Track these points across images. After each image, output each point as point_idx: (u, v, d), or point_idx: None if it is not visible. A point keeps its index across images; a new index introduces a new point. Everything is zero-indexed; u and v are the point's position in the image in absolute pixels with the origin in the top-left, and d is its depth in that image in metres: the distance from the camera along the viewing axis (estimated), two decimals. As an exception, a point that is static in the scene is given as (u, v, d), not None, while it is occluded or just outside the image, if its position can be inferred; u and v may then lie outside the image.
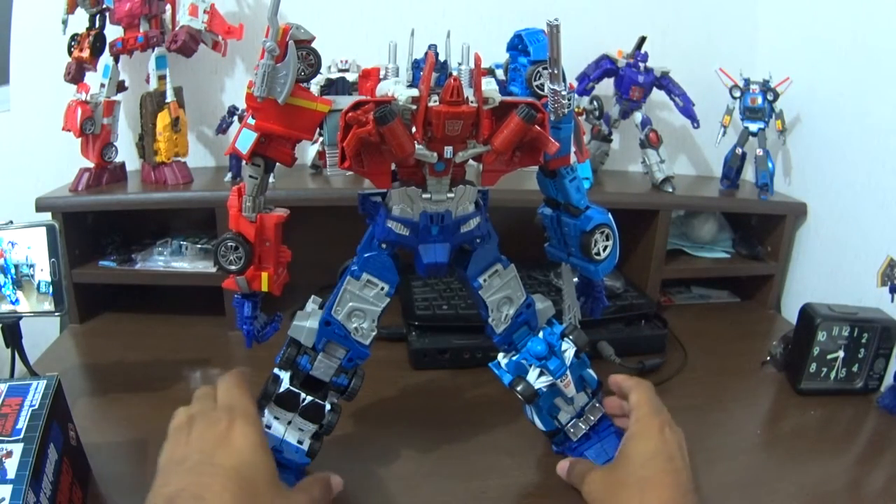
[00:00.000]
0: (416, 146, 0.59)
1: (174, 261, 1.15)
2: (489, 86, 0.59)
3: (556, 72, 0.60)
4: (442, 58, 0.60)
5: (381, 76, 0.64)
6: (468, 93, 0.57)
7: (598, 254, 0.71)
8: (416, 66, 0.59)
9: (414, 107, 0.57)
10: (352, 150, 0.58)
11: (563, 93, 0.61)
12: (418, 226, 0.64)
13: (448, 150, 0.59)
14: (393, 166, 0.63)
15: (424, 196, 0.63)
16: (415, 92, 0.57)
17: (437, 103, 0.56)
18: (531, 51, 0.64)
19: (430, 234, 0.64)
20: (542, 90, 0.63)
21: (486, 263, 0.68)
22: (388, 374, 0.97)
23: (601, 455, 0.73)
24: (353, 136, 0.57)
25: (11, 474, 0.54)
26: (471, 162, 0.63)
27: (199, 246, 1.16)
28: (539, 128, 0.59)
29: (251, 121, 0.62)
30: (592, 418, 0.74)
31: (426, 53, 0.59)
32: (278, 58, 0.59)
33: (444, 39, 0.61)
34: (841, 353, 0.92)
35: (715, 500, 0.72)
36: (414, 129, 0.58)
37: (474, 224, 0.66)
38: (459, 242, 0.67)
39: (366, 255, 0.66)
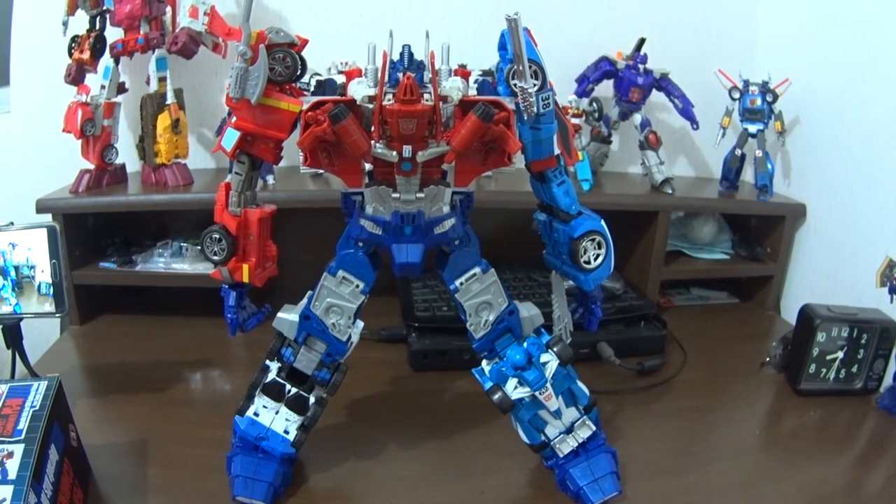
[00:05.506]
0: (375, 145, 0.60)
1: (174, 262, 1.15)
2: (453, 84, 0.59)
3: (520, 68, 0.59)
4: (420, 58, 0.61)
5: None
6: (445, 91, 0.58)
7: (587, 262, 0.69)
8: (394, 66, 0.60)
9: (371, 105, 0.58)
10: (308, 148, 0.60)
11: (530, 90, 0.60)
12: (391, 225, 0.64)
13: (407, 149, 0.60)
14: (368, 166, 0.64)
15: (394, 195, 0.64)
16: (371, 91, 0.58)
17: (392, 102, 0.57)
18: (508, 48, 0.63)
19: (403, 234, 0.65)
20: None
21: (463, 267, 0.68)
22: (388, 375, 0.97)
23: (587, 475, 0.69)
24: (310, 134, 0.59)
25: (12, 475, 0.55)
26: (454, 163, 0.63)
27: (199, 247, 1.16)
28: (504, 127, 0.60)
29: (234, 120, 0.65)
30: (581, 435, 0.70)
31: (400, 54, 0.60)
32: (251, 60, 0.61)
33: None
34: (840, 354, 0.92)
35: (715, 500, 0.72)
36: (373, 128, 0.59)
37: (449, 226, 0.66)
38: (434, 244, 0.67)
39: (342, 252, 0.67)
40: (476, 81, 0.65)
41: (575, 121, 1.24)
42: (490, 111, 0.58)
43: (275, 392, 0.70)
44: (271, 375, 0.71)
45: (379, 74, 0.58)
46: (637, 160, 1.32)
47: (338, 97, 0.61)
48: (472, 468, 0.76)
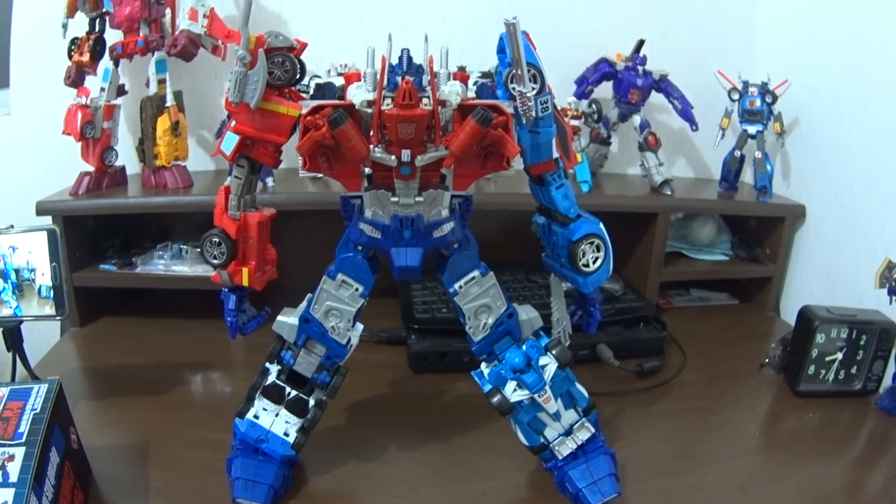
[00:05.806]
0: (374, 149, 0.60)
1: (174, 264, 1.15)
2: (452, 88, 0.59)
3: (518, 72, 0.60)
4: (419, 62, 0.61)
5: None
6: (444, 95, 0.58)
7: (586, 265, 0.69)
8: (393, 70, 0.60)
9: (370, 110, 0.58)
10: (307, 153, 0.60)
11: (529, 94, 0.61)
12: (390, 228, 0.64)
13: (405, 154, 0.60)
14: (368, 170, 0.64)
15: (393, 199, 0.64)
16: (370, 96, 0.58)
17: (390, 106, 0.57)
18: (507, 52, 0.63)
19: (402, 238, 0.65)
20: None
21: (462, 270, 0.68)
22: (388, 377, 0.98)
23: (586, 477, 0.69)
24: (309, 138, 0.59)
25: (14, 478, 0.55)
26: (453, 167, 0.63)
27: (199, 250, 1.16)
28: (503, 131, 0.60)
29: (233, 124, 0.65)
30: (581, 437, 0.70)
31: (399, 57, 0.60)
32: (250, 65, 0.61)
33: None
34: (839, 355, 0.92)
35: (714, 501, 0.72)
36: (372, 133, 0.60)
37: (448, 229, 0.66)
38: (433, 247, 0.67)
39: (342, 256, 0.67)
40: (475, 84, 0.65)
41: (574, 122, 1.24)
42: (488, 115, 0.58)
43: (275, 395, 0.70)
44: (271, 378, 0.71)
45: (378, 78, 0.58)
46: (636, 162, 1.32)
47: (337, 101, 0.61)
48: (472, 470, 0.76)
